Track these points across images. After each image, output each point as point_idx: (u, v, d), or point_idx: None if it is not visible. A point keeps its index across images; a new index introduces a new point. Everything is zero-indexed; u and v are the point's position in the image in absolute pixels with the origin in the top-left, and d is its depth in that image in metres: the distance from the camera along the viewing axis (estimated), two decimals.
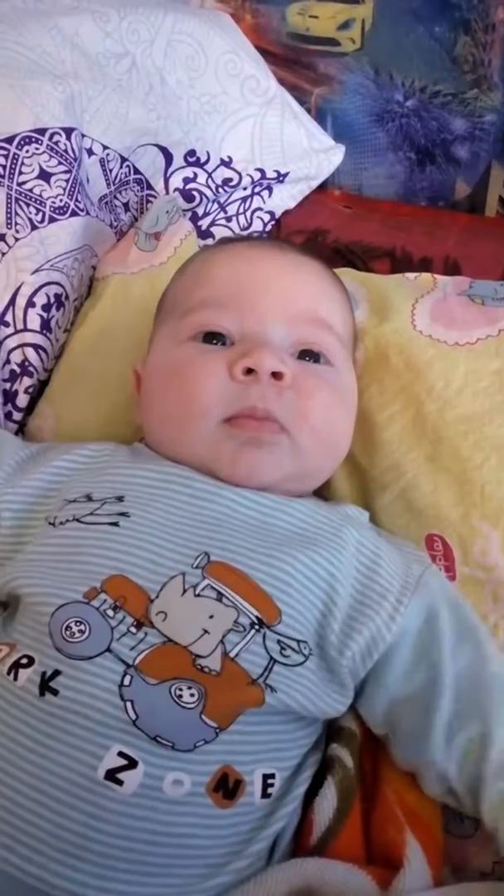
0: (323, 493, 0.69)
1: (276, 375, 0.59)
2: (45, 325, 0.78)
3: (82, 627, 0.51)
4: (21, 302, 0.76)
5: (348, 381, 0.66)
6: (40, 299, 0.77)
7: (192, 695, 0.49)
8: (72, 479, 0.62)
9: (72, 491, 0.60)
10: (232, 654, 0.50)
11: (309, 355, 0.63)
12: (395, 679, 0.56)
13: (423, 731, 0.54)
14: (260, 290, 0.63)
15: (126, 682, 0.49)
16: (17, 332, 0.76)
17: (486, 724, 0.53)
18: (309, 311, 0.64)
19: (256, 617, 0.52)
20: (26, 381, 0.78)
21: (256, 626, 0.52)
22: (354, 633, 0.55)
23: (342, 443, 0.66)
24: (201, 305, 0.63)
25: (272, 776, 0.51)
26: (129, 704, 0.48)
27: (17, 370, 0.77)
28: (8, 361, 0.77)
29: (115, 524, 0.56)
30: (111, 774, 0.47)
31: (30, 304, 0.76)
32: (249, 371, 0.59)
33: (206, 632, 0.51)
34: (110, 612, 0.51)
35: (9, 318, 0.76)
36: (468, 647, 0.56)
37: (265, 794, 0.51)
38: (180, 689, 0.49)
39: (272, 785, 0.51)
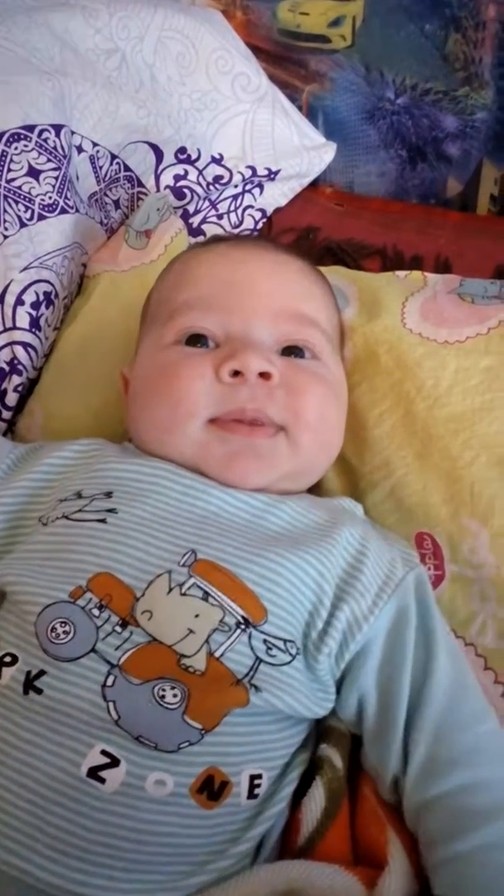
0: (314, 491, 0.69)
1: (264, 375, 0.59)
2: (35, 324, 0.78)
3: (67, 628, 0.50)
4: (10, 300, 0.76)
5: (337, 375, 0.66)
6: (29, 297, 0.77)
7: (174, 695, 0.49)
8: (63, 476, 0.62)
9: (63, 490, 0.60)
10: (217, 654, 0.50)
11: (293, 351, 0.62)
12: (366, 680, 0.55)
13: (384, 736, 0.54)
14: (242, 290, 0.63)
15: (109, 682, 0.49)
16: (5, 330, 0.76)
17: (413, 740, 0.52)
18: (292, 308, 0.63)
19: (242, 616, 0.52)
20: (15, 380, 0.77)
21: (242, 626, 0.52)
22: (332, 629, 0.54)
23: (336, 437, 0.66)
24: (184, 308, 0.63)
25: (259, 776, 0.51)
26: (111, 705, 0.48)
27: (7, 368, 0.77)
28: None
29: (103, 521, 0.56)
30: (93, 772, 0.47)
31: (19, 301, 0.76)
32: (236, 373, 0.58)
33: (191, 631, 0.50)
34: (96, 612, 0.51)
35: None
36: (422, 658, 0.56)
37: (251, 795, 0.51)
38: (163, 690, 0.49)
39: (259, 786, 0.51)
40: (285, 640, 0.53)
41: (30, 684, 0.50)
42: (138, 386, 0.65)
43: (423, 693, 0.54)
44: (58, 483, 0.62)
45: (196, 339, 0.62)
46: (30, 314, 0.77)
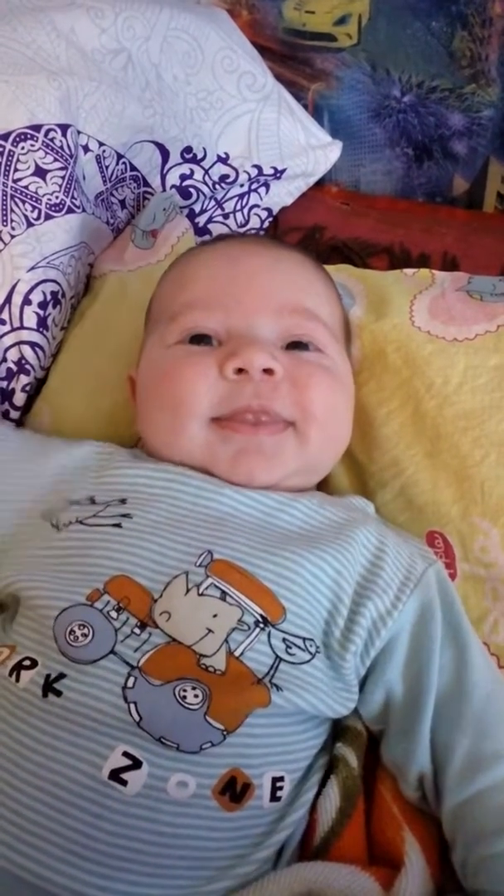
0: (323, 489, 0.69)
1: (268, 371, 0.59)
2: (42, 323, 0.78)
3: (86, 631, 0.50)
4: (17, 299, 0.76)
5: (343, 368, 0.66)
6: (36, 297, 0.77)
7: (196, 696, 0.48)
8: (73, 476, 0.62)
9: (75, 491, 0.60)
10: (237, 653, 0.50)
11: (297, 345, 0.62)
12: (393, 675, 0.56)
13: (411, 731, 0.54)
14: (242, 287, 0.62)
15: (129, 683, 0.49)
16: (13, 329, 0.76)
17: (454, 734, 0.52)
18: (293, 302, 0.63)
19: (261, 615, 0.52)
20: (23, 380, 0.77)
21: (261, 625, 0.51)
22: (356, 626, 0.54)
23: (344, 430, 0.66)
24: (186, 309, 0.63)
25: (281, 779, 0.51)
26: (132, 706, 0.48)
27: (14, 368, 0.77)
28: (4, 360, 0.77)
29: (118, 525, 0.56)
30: (115, 774, 0.47)
31: (26, 301, 0.76)
32: (240, 370, 0.58)
33: (210, 631, 0.50)
34: (114, 614, 0.51)
35: (5, 315, 0.76)
36: (454, 652, 0.56)
37: (274, 798, 0.51)
38: (184, 690, 0.48)
39: (281, 788, 0.51)
40: (304, 639, 0.53)
41: (49, 687, 0.49)
42: (142, 389, 0.65)
43: (460, 687, 0.54)
44: (66, 483, 0.62)
45: (199, 339, 0.61)
46: (37, 314, 0.77)
